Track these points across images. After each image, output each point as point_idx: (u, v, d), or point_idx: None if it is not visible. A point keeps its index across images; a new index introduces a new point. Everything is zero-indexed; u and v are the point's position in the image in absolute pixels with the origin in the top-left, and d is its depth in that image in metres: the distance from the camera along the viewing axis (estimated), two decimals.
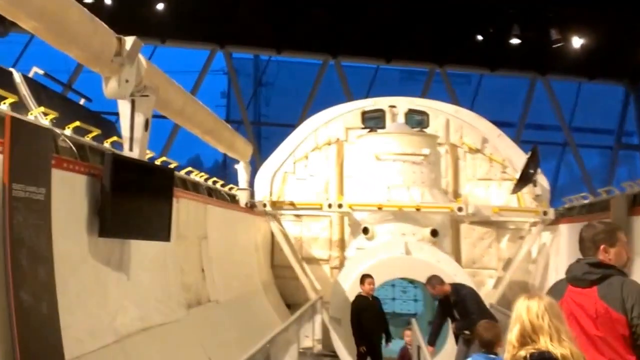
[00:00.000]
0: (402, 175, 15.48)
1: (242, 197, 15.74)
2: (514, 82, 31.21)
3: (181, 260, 10.55)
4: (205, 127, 12.26)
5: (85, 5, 7.29)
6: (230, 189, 15.68)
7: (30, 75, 9.93)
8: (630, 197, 11.95)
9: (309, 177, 17.51)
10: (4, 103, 6.59)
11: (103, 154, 8.04)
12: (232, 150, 15.01)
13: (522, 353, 3.63)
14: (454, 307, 10.62)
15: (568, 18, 24.79)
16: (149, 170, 8.79)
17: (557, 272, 13.74)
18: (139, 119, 8.35)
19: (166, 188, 9.07)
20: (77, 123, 7.91)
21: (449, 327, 11.18)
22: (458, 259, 16.04)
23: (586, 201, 14.97)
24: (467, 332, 10.17)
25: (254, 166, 17.64)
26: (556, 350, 3.54)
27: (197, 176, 13.07)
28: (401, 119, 17.40)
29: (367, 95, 24.28)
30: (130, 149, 8.37)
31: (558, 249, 15.36)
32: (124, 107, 8.37)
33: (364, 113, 17.77)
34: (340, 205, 15.85)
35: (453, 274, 13.23)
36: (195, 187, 12.58)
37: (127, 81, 7.96)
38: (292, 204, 16.65)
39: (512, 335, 3.71)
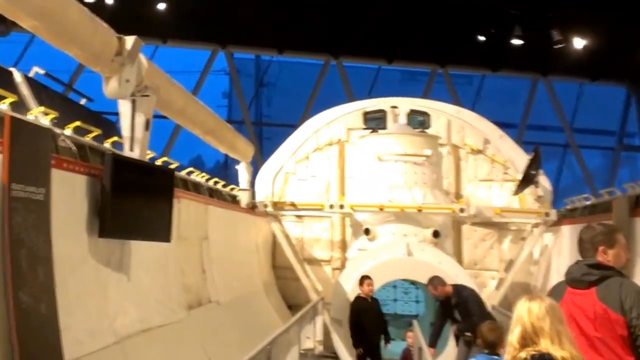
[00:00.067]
0: (403, 176, 15.44)
1: (244, 198, 15.70)
2: (516, 83, 31.20)
3: (182, 261, 10.51)
4: (206, 128, 12.23)
5: (86, 5, 7.26)
6: (232, 189, 15.65)
7: (31, 75, 9.91)
8: (632, 199, 11.92)
9: (311, 177, 17.48)
10: (4, 103, 6.56)
11: (103, 154, 8.01)
12: (233, 151, 14.98)
13: (523, 354, 3.62)
14: (455, 308, 10.58)
15: (570, 19, 24.73)
16: (149, 171, 8.76)
17: (559, 274, 13.66)
18: (140, 119, 8.32)
19: (167, 188, 9.04)
20: (78, 123, 7.88)
21: (450, 329, 11.14)
22: (460, 260, 15.99)
23: (588, 202, 14.93)
24: (468, 333, 10.15)
25: (255, 167, 17.61)
26: (557, 352, 3.53)
27: (198, 176, 13.04)
28: (403, 119, 17.37)
29: (368, 95, 24.23)
30: (131, 149, 8.34)
31: (560, 251, 15.32)
32: (124, 107, 8.34)
33: (365, 114, 17.75)
34: (341, 206, 15.80)
35: (455, 275, 13.18)
36: (196, 187, 12.54)
37: (127, 81, 7.92)
38: (293, 204, 16.61)
39: (513, 336, 3.70)
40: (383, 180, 15.43)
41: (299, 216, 17.09)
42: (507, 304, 13.75)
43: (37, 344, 5.79)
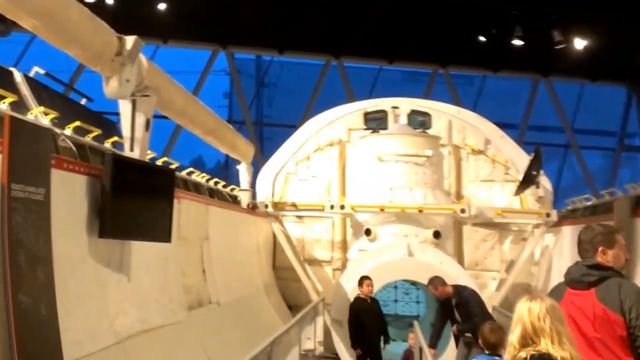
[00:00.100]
0: (404, 177, 15.44)
1: (244, 198, 15.68)
2: (517, 84, 31.18)
3: (182, 262, 10.49)
4: (206, 128, 12.21)
5: (87, 5, 7.23)
6: (232, 189, 15.63)
7: (31, 75, 9.89)
8: (633, 199, 11.93)
9: (311, 178, 17.45)
10: (4, 102, 6.53)
11: (103, 154, 7.98)
12: (234, 151, 14.96)
13: (523, 354, 3.64)
14: (456, 308, 10.55)
15: (570, 19, 24.74)
16: (149, 171, 8.73)
17: (560, 275, 13.59)
18: (140, 119, 8.29)
19: (167, 189, 9.01)
20: (78, 123, 7.86)
21: (451, 330, 11.11)
22: (460, 261, 15.97)
23: (589, 203, 14.92)
24: (468, 334, 10.13)
25: (256, 167, 17.59)
26: (557, 352, 3.54)
27: (199, 177, 13.02)
28: (404, 120, 17.37)
29: (369, 96, 24.17)
30: (131, 149, 8.31)
31: (561, 251, 15.29)
32: (124, 107, 8.31)
33: (366, 114, 17.72)
34: (342, 207, 15.78)
35: (456, 275, 13.17)
36: (196, 187, 12.53)
37: (127, 81, 7.90)
38: (294, 205, 16.58)
39: (513, 336, 3.71)
40: (384, 181, 15.43)
41: (299, 216, 17.06)
42: (508, 304, 13.71)
43: (37, 344, 5.77)
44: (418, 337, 10.74)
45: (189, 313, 10.23)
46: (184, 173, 12.23)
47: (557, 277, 14.53)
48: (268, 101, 32.52)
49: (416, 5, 25.24)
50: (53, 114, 7.48)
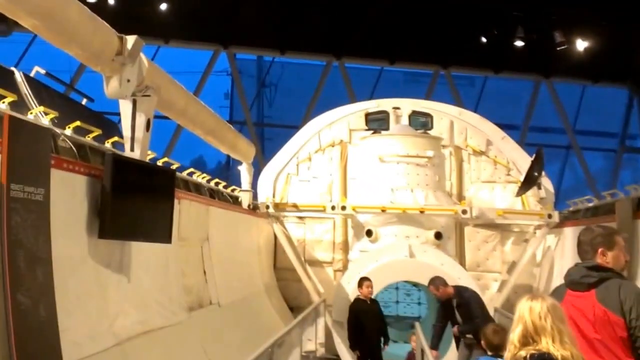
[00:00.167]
0: (406, 178, 15.43)
1: (245, 199, 15.63)
2: (518, 85, 31.18)
3: (182, 263, 10.46)
4: (207, 128, 12.17)
5: (88, 5, 7.19)
6: (233, 190, 15.59)
7: (32, 74, 9.85)
8: (635, 200, 11.91)
9: (312, 178, 17.41)
10: (3, 102, 6.50)
11: (104, 155, 7.95)
12: (235, 152, 14.92)
13: (523, 353, 3.65)
14: (457, 309, 10.52)
15: (572, 21, 24.75)
16: (150, 171, 8.70)
17: (562, 276, 13.62)
18: (141, 119, 8.25)
19: (167, 189, 8.98)
20: (78, 123, 7.82)
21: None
22: (462, 262, 15.94)
23: (591, 204, 14.89)
24: (469, 335, 10.10)
25: (257, 168, 17.54)
26: (557, 352, 3.54)
27: (199, 177, 12.98)
28: (405, 120, 17.34)
29: (370, 96, 24.16)
30: (132, 150, 8.27)
31: (563, 252, 15.25)
32: (125, 107, 8.27)
33: (367, 115, 17.68)
34: (343, 207, 15.75)
35: (457, 277, 13.16)
36: (197, 188, 12.49)
37: (128, 81, 7.85)
38: (295, 205, 16.54)
39: (514, 335, 3.73)
40: (385, 182, 15.41)
41: (300, 217, 17.01)
42: (510, 306, 13.67)
43: (36, 346, 5.73)
44: (419, 338, 10.70)
45: (190, 314, 10.19)
46: (184, 173, 12.20)
47: (559, 279, 14.42)
48: (269, 102, 32.53)
49: (418, 6, 25.24)
50: (53, 114, 7.44)
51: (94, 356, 6.88)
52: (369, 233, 15.39)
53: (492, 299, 14.93)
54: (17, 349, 5.38)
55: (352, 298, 12.84)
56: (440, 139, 16.61)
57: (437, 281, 10.77)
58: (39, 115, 7.46)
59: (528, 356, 3.60)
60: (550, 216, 15.72)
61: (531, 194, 16.36)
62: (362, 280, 12.19)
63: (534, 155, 15.78)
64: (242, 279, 14.19)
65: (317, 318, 13.88)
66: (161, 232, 8.69)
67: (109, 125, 12.24)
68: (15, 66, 9.48)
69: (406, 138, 15.78)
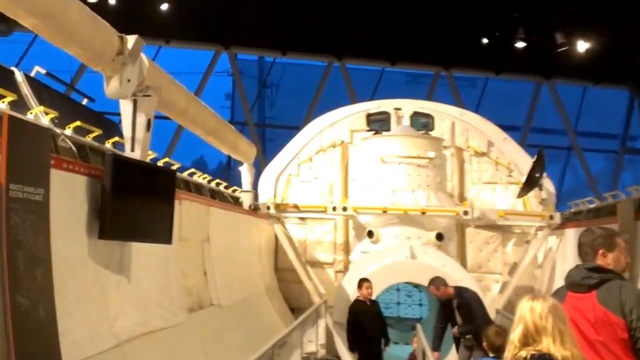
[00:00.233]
0: (407, 178, 15.40)
1: (246, 200, 15.60)
2: (519, 86, 31.18)
3: (183, 263, 10.42)
4: (208, 128, 12.14)
5: (89, 5, 7.16)
6: (234, 191, 15.57)
7: (32, 74, 9.82)
8: (637, 202, 11.90)
9: (314, 179, 17.38)
10: (3, 102, 6.47)
11: (104, 155, 7.92)
12: (236, 152, 14.89)
13: (523, 353, 3.65)
14: (457, 310, 10.50)
15: (573, 22, 24.73)
16: (150, 171, 8.67)
17: (564, 277, 13.58)
18: (141, 119, 8.22)
19: (168, 189, 8.95)
20: (78, 123, 7.79)
21: None
22: (463, 263, 15.93)
23: (592, 206, 14.87)
24: (468, 336, 10.08)
25: (258, 168, 17.51)
26: (558, 352, 3.54)
27: (200, 178, 12.96)
28: (406, 121, 17.30)
29: (372, 97, 24.13)
30: (132, 150, 8.24)
31: (564, 254, 15.23)
32: (125, 107, 8.24)
33: (369, 115, 17.65)
34: (344, 208, 15.73)
35: (459, 278, 13.13)
36: (197, 188, 12.47)
37: (129, 81, 7.82)
38: (296, 206, 16.53)
39: (514, 335, 3.73)
40: (386, 183, 15.39)
41: (301, 218, 16.99)
42: (511, 307, 13.61)
43: (35, 347, 5.70)
44: (421, 340, 10.68)
45: (190, 315, 10.15)
46: (185, 174, 12.17)
47: (561, 280, 14.39)
48: (270, 102, 32.50)
49: (419, 7, 25.21)
50: (53, 114, 7.41)
51: (94, 357, 6.84)
52: (370, 234, 15.37)
53: (493, 301, 14.91)
54: (16, 350, 5.34)
55: (353, 299, 12.82)
56: (442, 139, 16.60)
57: (437, 281, 10.76)
58: (39, 115, 7.43)
59: (528, 356, 3.60)
60: (551, 217, 15.71)
61: (532, 195, 16.32)
62: (362, 282, 12.18)
63: (535, 157, 15.75)
64: (243, 280, 14.16)
65: (318, 319, 13.85)
66: (161, 232, 8.66)
67: (110, 125, 12.21)
68: (16, 66, 9.46)
69: (407, 139, 15.76)
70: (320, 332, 13.87)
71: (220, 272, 12.14)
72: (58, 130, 7.33)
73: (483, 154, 17.17)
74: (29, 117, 7.14)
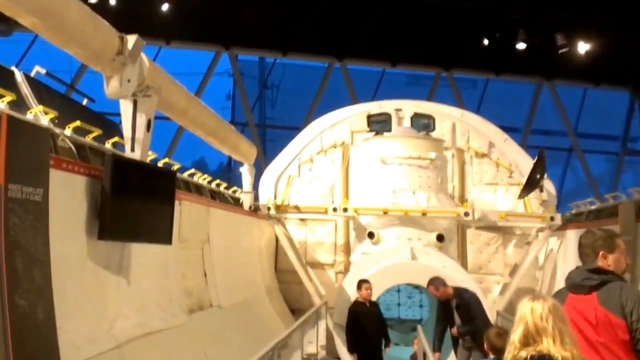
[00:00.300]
0: (408, 179, 15.40)
1: (246, 200, 15.57)
2: (520, 87, 31.20)
3: (183, 264, 10.40)
4: (208, 129, 12.11)
5: (89, 5, 7.13)
6: (234, 191, 15.55)
7: (32, 74, 9.80)
8: (638, 203, 11.84)
9: (314, 180, 17.35)
10: (2, 101, 6.44)
11: (104, 155, 7.89)
12: (236, 153, 14.86)
13: (523, 354, 3.66)
14: (456, 310, 10.49)
15: (574, 23, 24.72)
16: (150, 172, 8.64)
17: (564, 279, 13.56)
18: (141, 120, 8.19)
19: (168, 190, 8.93)
20: (77, 123, 7.76)
21: None
22: (464, 265, 15.91)
23: (593, 207, 14.85)
24: (467, 337, 10.07)
25: (259, 169, 17.48)
26: (558, 352, 3.54)
27: (200, 178, 12.93)
28: (407, 122, 17.29)
29: (372, 98, 24.12)
30: (132, 150, 8.20)
31: (565, 255, 15.21)
32: (125, 107, 8.21)
33: (369, 116, 17.62)
34: (345, 209, 15.70)
35: (459, 279, 13.11)
36: (198, 189, 12.44)
37: (129, 81, 7.79)
38: (296, 207, 16.51)
39: (515, 335, 3.74)
40: (387, 184, 15.38)
41: (302, 219, 16.95)
42: (512, 309, 13.55)
43: (34, 348, 5.66)
44: (421, 341, 10.65)
45: (190, 316, 10.13)
46: (185, 174, 12.15)
47: (562, 282, 14.38)
48: (271, 103, 32.51)
49: (419, 8, 25.20)
50: (52, 114, 7.38)
51: (93, 359, 6.82)
52: (370, 235, 15.36)
53: (494, 302, 14.90)
54: (15, 352, 5.31)
55: (353, 300, 12.80)
56: (443, 140, 16.59)
57: (436, 281, 10.74)
58: (39, 114, 7.40)
59: (528, 357, 3.61)
60: (552, 219, 15.68)
61: (533, 196, 16.31)
62: (361, 283, 12.16)
63: (536, 158, 15.73)
64: (243, 281, 14.13)
65: (319, 320, 13.82)
66: (161, 233, 8.63)
67: (110, 125, 12.18)
68: (16, 66, 9.43)
69: (408, 140, 15.75)
70: (321, 333, 13.83)
71: (220, 273, 12.11)
72: (57, 130, 7.31)
73: (484, 155, 17.14)
74: (29, 117, 7.12)
